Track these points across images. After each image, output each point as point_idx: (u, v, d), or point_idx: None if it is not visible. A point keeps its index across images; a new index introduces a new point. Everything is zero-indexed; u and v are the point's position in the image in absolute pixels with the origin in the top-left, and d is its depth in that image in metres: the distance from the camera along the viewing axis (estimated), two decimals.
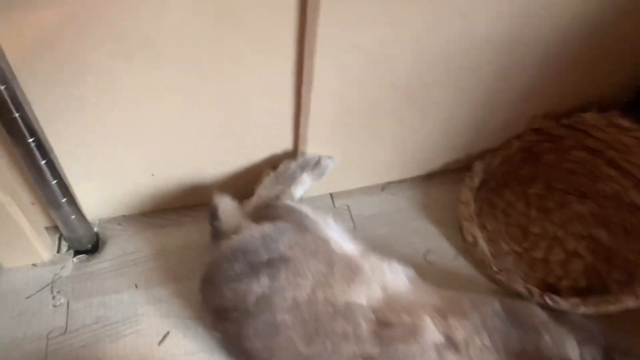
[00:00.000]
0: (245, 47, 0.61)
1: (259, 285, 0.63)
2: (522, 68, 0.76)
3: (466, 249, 0.83)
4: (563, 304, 0.72)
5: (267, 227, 0.67)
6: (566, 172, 0.91)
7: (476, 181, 0.86)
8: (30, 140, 0.61)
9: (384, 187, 0.91)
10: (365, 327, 0.61)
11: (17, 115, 0.58)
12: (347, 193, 0.90)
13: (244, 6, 0.56)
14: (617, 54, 0.80)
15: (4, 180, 0.66)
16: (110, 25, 0.54)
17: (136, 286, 0.76)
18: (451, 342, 0.61)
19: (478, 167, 0.87)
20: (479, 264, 0.81)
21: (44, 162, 0.64)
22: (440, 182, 0.93)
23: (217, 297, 0.65)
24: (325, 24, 0.59)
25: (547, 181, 0.93)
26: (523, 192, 0.92)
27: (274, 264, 0.64)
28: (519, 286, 0.75)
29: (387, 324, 0.62)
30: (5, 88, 0.55)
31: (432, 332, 0.61)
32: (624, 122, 0.83)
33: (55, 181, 0.68)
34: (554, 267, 0.83)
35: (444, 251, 0.83)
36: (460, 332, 0.61)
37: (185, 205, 0.85)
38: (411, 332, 0.61)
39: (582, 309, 0.72)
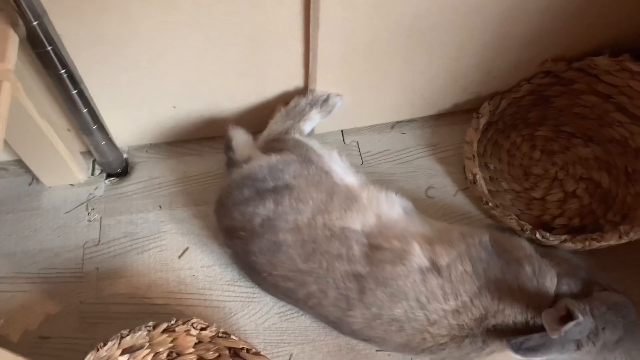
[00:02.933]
0: None
1: (265, 209, 0.70)
2: (531, 9, 0.76)
3: (467, 187, 0.88)
4: (552, 239, 0.77)
5: (274, 158, 0.73)
6: (575, 116, 0.93)
7: (482, 122, 0.89)
8: (62, 71, 0.68)
9: (394, 125, 0.95)
10: (357, 250, 0.68)
11: (49, 48, 0.64)
12: (358, 130, 0.94)
13: None
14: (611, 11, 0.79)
15: (42, 108, 0.74)
16: None
17: (160, 207, 0.85)
18: (435, 267, 0.67)
19: (485, 108, 0.89)
20: (477, 200, 0.86)
21: (75, 91, 0.71)
22: (450, 122, 0.96)
23: (228, 218, 0.72)
24: None
25: (555, 124, 0.95)
26: (530, 134, 0.94)
27: (279, 191, 0.70)
28: (512, 222, 0.80)
29: (378, 247, 0.68)
30: (38, 24, 0.61)
31: (418, 257, 0.67)
32: (636, 67, 0.83)
33: (86, 109, 0.75)
34: (551, 206, 0.87)
35: (445, 188, 0.88)
36: (444, 258, 0.67)
37: (205, 137, 0.91)
38: (399, 255, 0.67)
39: (569, 245, 0.76)
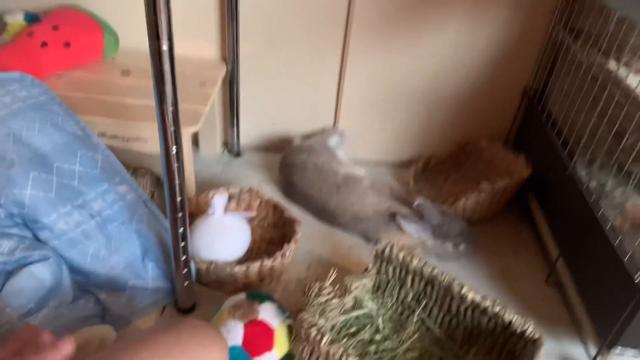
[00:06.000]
0: (317, 59, 1.62)
1: (302, 156, 1.55)
2: (449, 102, 1.68)
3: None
4: (449, 210, 1.53)
5: (312, 141, 1.62)
6: (474, 171, 1.75)
7: (419, 167, 1.72)
8: (234, 89, 1.64)
9: (377, 163, 1.81)
10: (339, 177, 1.49)
11: (230, 68, 1.62)
12: (357, 160, 1.80)
13: (319, 37, 1.58)
14: (493, 110, 1.69)
15: (219, 108, 1.69)
16: None
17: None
18: (373, 187, 1.46)
19: (420, 161, 1.74)
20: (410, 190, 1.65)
21: (235, 98, 1.66)
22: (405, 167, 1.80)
23: (285, 161, 1.58)
24: (351, 60, 1.59)
25: (463, 174, 1.76)
26: (447, 178, 1.76)
27: (310, 152, 1.56)
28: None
29: (348, 178, 1.49)
30: (232, 70, 1.60)
31: (366, 182, 1.47)
32: (502, 148, 1.68)
33: (236, 116, 1.69)
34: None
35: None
36: (377, 185, 1.47)
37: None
38: (358, 180, 1.48)
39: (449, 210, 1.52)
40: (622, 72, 1.15)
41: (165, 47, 0.81)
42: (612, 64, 1.19)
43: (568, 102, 1.39)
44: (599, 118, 1.21)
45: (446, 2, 1.49)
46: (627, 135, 1.09)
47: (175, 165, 0.97)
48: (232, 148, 1.78)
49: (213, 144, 1.75)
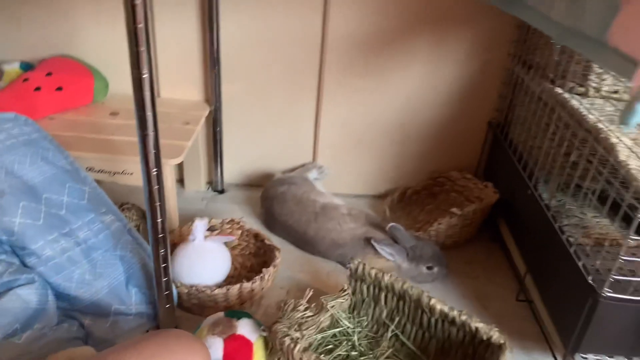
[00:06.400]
0: (294, 100, 1.73)
1: (282, 188, 1.63)
2: (414, 141, 1.78)
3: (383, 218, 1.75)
4: (423, 235, 1.59)
5: (292, 174, 1.70)
6: (447, 201, 1.83)
7: (395, 198, 1.80)
8: (217, 130, 1.74)
9: (356, 196, 1.89)
10: (318, 206, 1.57)
11: (213, 109, 1.72)
12: (337, 194, 1.88)
13: (297, 85, 1.70)
14: (462, 143, 1.80)
15: (202, 148, 1.78)
16: None
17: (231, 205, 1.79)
18: (350, 214, 1.54)
19: (396, 193, 1.82)
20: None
21: (219, 138, 1.76)
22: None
23: (266, 194, 1.66)
24: (326, 101, 1.70)
25: (437, 204, 1.84)
26: (422, 208, 1.83)
27: (290, 184, 1.65)
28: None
29: (326, 206, 1.57)
30: (215, 111, 1.70)
31: (342, 209, 1.55)
32: (472, 178, 1.77)
33: (220, 154, 1.78)
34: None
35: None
36: (353, 212, 1.54)
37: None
38: (336, 207, 1.55)
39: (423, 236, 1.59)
40: (566, 95, 1.26)
41: (145, 75, 0.91)
42: (558, 90, 1.31)
43: (526, 130, 1.49)
44: (551, 140, 1.31)
45: (409, 42, 1.63)
46: (572, 153, 1.19)
47: (155, 186, 1.04)
48: (216, 186, 1.86)
49: (197, 182, 1.83)
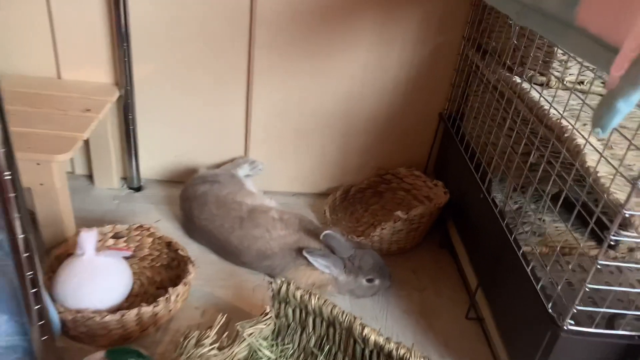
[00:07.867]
0: (220, 84, 1.50)
1: (203, 188, 1.40)
2: (361, 131, 1.58)
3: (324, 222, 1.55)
4: (365, 241, 1.40)
5: (217, 170, 1.47)
6: (394, 199, 1.65)
7: (337, 197, 1.61)
8: (129, 117, 1.49)
9: (294, 194, 1.68)
10: (244, 209, 1.35)
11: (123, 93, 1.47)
12: (273, 193, 1.67)
13: (223, 71, 1.47)
14: (411, 136, 1.61)
15: (116, 143, 1.53)
16: None
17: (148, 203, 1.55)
18: (281, 219, 1.33)
19: (339, 191, 1.62)
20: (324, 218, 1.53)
21: (132, 128, 1.51)
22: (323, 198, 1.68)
23: (184, 194, 1.43)
24: (258, 84, 1.48)
25: (382, 205, 1.65)
26: (367, 207, 1.65)
27: (214, 182, 1.42)
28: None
29: (254, 210, 1.35)
30: (126, 95, 1.45)
31: (273, 213, 1.34)
32: (420, 175, 1.59)
33: (134, 146, 1.53)
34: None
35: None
36: (285, 216, 1.34)
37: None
38: (265, 211, 1.34)
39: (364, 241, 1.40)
40: (525, 85, 1.09)
41: None
42: (516, 79, 1.13)
43: (480, 123, 1.32)
44: (508, 137, 1.14)
45: (353, 20, 1.42)
46: (532, 154, 1.02)
47: (10, 194, 0.80)
48: (131, 182, 1.61)
49: (109, 178, 1.58)
